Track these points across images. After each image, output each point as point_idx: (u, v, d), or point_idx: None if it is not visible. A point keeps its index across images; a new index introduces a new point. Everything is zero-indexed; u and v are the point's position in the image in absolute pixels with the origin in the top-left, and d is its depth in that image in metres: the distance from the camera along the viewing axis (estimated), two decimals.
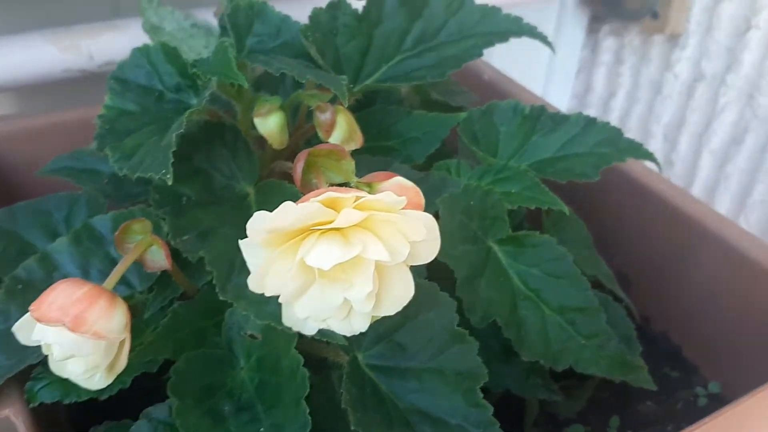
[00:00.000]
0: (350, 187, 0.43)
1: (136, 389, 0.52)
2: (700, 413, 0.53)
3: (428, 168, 0.58)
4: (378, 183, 0.43)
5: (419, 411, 0.45)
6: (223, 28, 0.61)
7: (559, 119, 0.61)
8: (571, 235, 0.63)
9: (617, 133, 0.60)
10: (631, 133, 1.21)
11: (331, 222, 0.37)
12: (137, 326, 0.48)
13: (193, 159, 0.51)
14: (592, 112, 1.28)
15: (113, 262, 0.51)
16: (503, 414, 0.45)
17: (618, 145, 0.59)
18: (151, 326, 0.48)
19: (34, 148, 0.71)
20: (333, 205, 0.37)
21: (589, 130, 0.60)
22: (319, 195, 0.37)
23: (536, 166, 0.59)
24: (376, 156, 0.56)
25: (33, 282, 0.50)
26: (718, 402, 0.65)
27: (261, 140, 0.54)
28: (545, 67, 1.30)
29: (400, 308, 0.40)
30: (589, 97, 1.30)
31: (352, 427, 0.41)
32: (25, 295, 0.49)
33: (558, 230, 0.62)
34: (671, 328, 0.72)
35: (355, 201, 0.37)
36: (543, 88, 1.32)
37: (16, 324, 0.40)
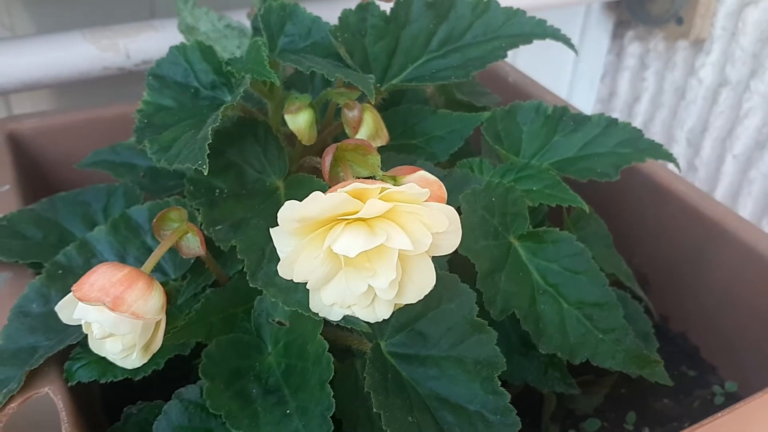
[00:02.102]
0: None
1: (168, 376, 0.54)
2: (716, 412, 0.54)
3: (452, 166, 0.60)
4: (402, 176, 0.44)
5: (439, 397, 0.47)
6: (255, 29, 0.63)
7: (580, 119, 0.62)
8: (591, 233, 0.64)
9: (638, 133, 0.61)
10: (654, 137, 1.21)
11: (357, 212, 0.38)
12: (171, 312, 0.50)
13: (227, 153, 0.54)
14: (616, 116, 1.29)
15: (149, 251, 0.53)
16: (521, 408, 0.46)
17: (638, 145, 0.60)
18: (184, 312, 0.50)
19: (72, 143, 0.74)
20: (359, 196, 0.39)
21: (610, 130, 0.61)
22: (346, 186, 0.38)
23: (558, 165, 0.60)
24: (401, 154, 0.58)
25: (72, 268, 0.52)
26: (735, 401, 0.66)
27: (291, 137, 0.56)
28: (570, 72, 1.31)
29: (422, 297, 0.42)
30: (613, 101, 1.31)
31: (375, 410, 0.43)
32: (65, 280, 0.51)
33: (578, 229, 0.63)
34: (690, 328, 0.73)
35: (380, 192, 0.39)
36: (568, 92, 1.33)
37: (59, 303, 0.42)
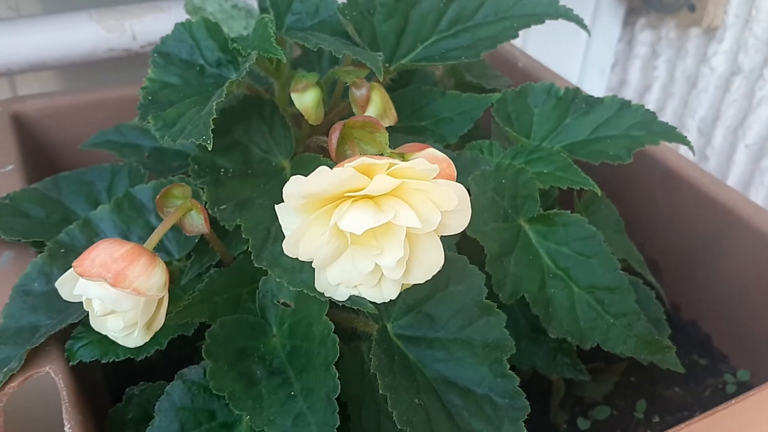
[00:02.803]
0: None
1: (171, 358, 0.54)
2: (728, 400, 0.53)
3: (461, 149, 0.59)
4: (411, 153, 0.44)
5: (446, 380, 0.46)
6: (262, 8, 0.62)
7: (593, 102, 0.61)
8: (602, 218, 0.63)
9: (651, 116, 0.60)
10: None
11: (364, 188, 0.37)
12: (174, 292, 0.50)
13: (232, 132, 0.53)
14: None
15: (152, 230, 0.52)
16: (529, 395, 0.45)
17: (652, 128, 0.59)
18: (188, 292, 0.49)
19: (77, 125, 0.73)
20: (367, 172, 0.38)
21: (623, 113, 0.60)
22: (353, 161, 0.38)
23: (569, 147, 0.59)
24: (409, 136, 0.57)
25: (75, 246, 0.52)
26: (747, 390, 0.65)
27: (297, 118, 0.55)
28: (580, 60, 1.30)
29: (429, 276, 0.41)
30: (624, 90, 1.29)
31: (381, 391, 0.42)
32: (67, 258, 0.51)
33: (589, 213, 0.62)
34: (701, 316, 0.72)
35: (388, 168, 0.38)
36: (578, 81, 1.32)
37: (59, 279, 0.41)
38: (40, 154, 0.73)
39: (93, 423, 0.47)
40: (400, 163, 0.38)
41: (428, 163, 0.38)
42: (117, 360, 0.47)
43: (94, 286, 0.39)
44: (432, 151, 0.43)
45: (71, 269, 0.40)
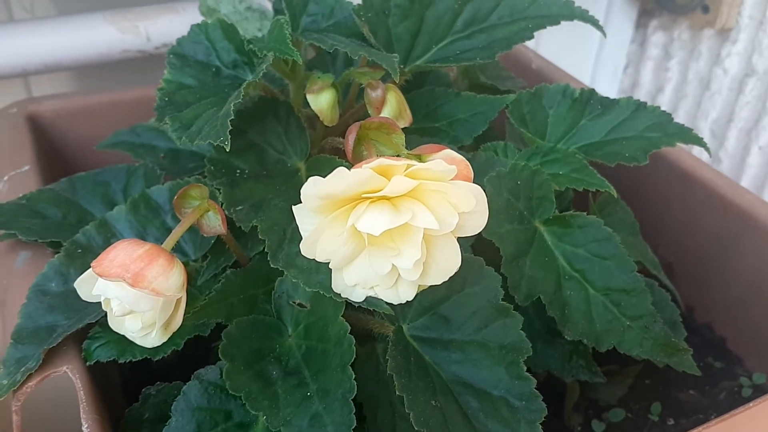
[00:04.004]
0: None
1: (187, 359, 0.54)
2: (743, 404, 0.53)
3: (475, 151, 0.59)
4: (428, 155, 0.44)
5: (462, 382, 0.46)
6: (277, 10, 0.63)
7: (608, 103, 0.61)
8: (617, 220, 0.63)
9: (667, 117, 0.59)
10: None
11: (381, 189, 0.37)
12: (191, 292, 0.50)
13: (248, 134, 0.53)
14: None
15: (169, 231, 0.52)
16: (544, 398, 0.45)
17: (668, 129, 0.59)
18: (204, 292, 0.49)
19: (92, 126, 0.73)
20: (384, 173, 0.38)
21: (638, 114, 0.60)
22: (371, 162, 0.38)
23: (585, 149, 0.59)
24: (423, 137, 0.57)
25: (91, 247, 0.52)
26: (762, 393, 0.65)
27: (313, 120, 0.56)
28: (593, 62, 1.30)
29: (446, 278, 0.41)
30: (636, 92, 1.29)
31: (397, 392, 0.42)
32: (84, 258, 0.51)
33: (605, 215, 0.62)
34: (716, 318, 0.71)
35: (406, 169, 0.38)
36: (590, 83, 1.31)
37: (78, 279, 0.42)
38: (55, 154, 0.73)
39: (109, 423, 0.47)
40: (417, 165, 0.38)
41: (446, 164, 0.38)
42: (134, 360, 0.47)
43: (113, 286, 0.39)
44: (449, 152, 0.43)
45: (90, 269, 0.40)
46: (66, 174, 0.62)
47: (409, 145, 0.46)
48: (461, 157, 0.43)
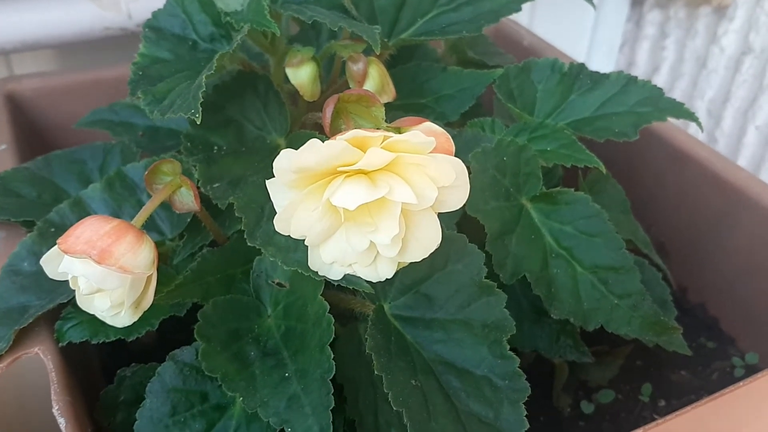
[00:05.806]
0: None
1: (168, 341, 0.53)
2: (735, 383, 0.52)
3: (462, 127, 0.57)
4: (407, 127, 0.42)
5: (444, 361, 0.44)
6: None
7: (598, 78, 0.59)
8: (608, 198, 0.61)
9: (659, 92, 0.58)
10: None
11: (357, 162, 0.36)
12: (166, 272, 0.48)
13: (226, 109, 0.52)
14: None
15: None
16: (532, 379, 0.44)
17: (659, 104, 0.57)
18: (181, 272, 0.48)
19: (73, 105, 0.72)
20: (360, 145, 0.37)
21: (629, 89, 0.58)
22: (345, 134, 0.36)
23: (574, 125, 0.57)
24: (408, 113, 0.55)
25: (65, 226, 0.50)
26: (755, 373, 0.63)
27: (294, 95, 0.54)
28: (588, 41, 1.28)
29: (426, 255, 0.39)
30: (632, 71, 1.27)
31: (376, 372, 0.41)
32: (57, 237, 0.49)
33: (595, 193, 0.61)
34: (709, 299, 0.70)
35: (382, 141, 0.36)
36: (585, 61, 1.29)
37: (44, 257, 0.40)
38: (34, 134, 0.72)
39: (84, 405, 0.46)
40: (394, 136, 0.36)
41: (424, 136, 0.36)
42: (108, 341, 0.46)
43: (79, 263, 0.38)
44: (429, 125, 0.42)
45: (56, 246, 0.39)
46: (45, 153, 0.60)
47: (394, 121, 0.45)
48: (442, 130, 0.42)
